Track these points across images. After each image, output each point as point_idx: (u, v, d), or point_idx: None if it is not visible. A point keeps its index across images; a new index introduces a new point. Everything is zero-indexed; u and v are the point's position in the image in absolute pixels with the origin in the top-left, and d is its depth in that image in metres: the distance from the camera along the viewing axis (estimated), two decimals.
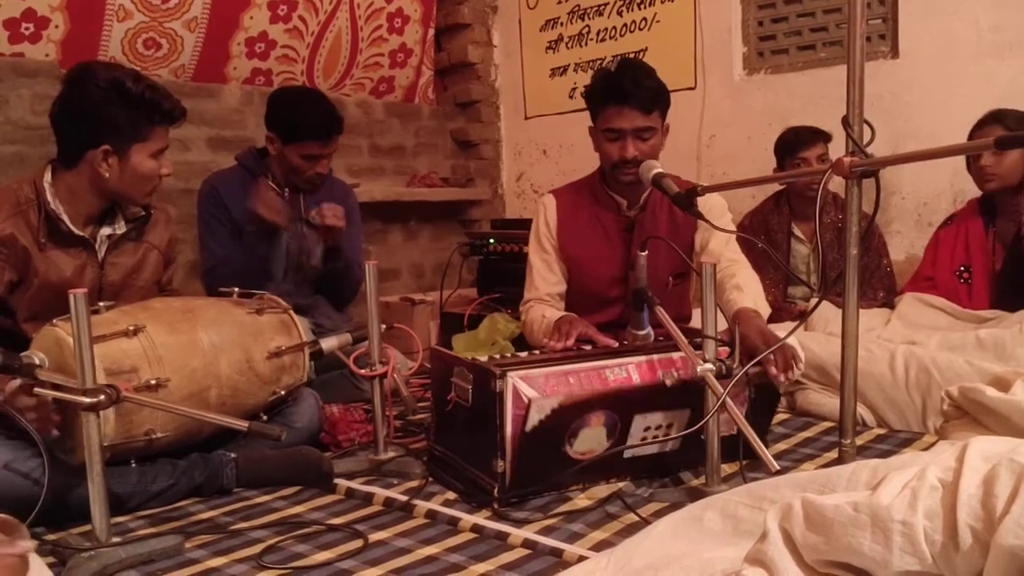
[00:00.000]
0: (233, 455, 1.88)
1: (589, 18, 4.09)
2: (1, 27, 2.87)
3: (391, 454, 1.98)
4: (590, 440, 1.72)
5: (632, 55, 3.91)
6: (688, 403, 1.77)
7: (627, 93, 2.13)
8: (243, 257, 2.59)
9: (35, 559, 1.27)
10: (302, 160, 2.59)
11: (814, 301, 2.35)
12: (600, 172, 2.36)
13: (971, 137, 2.52)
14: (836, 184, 1.92)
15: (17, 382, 1.56)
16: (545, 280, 2.38)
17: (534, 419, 1.63)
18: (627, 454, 1.78)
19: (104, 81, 1.85)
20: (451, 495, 1.78)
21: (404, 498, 1.75)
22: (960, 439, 1.32)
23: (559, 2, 4.19)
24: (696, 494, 1.65)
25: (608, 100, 2.17)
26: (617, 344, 2.01)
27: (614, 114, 2.16)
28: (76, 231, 1.92)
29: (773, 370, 1.80)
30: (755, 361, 1.70)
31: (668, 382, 1.70)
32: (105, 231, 2.00)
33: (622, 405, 1.73)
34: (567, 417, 1.67)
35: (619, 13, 3.98)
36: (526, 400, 1.62)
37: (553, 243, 2.36)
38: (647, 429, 1.78)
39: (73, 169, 1.91)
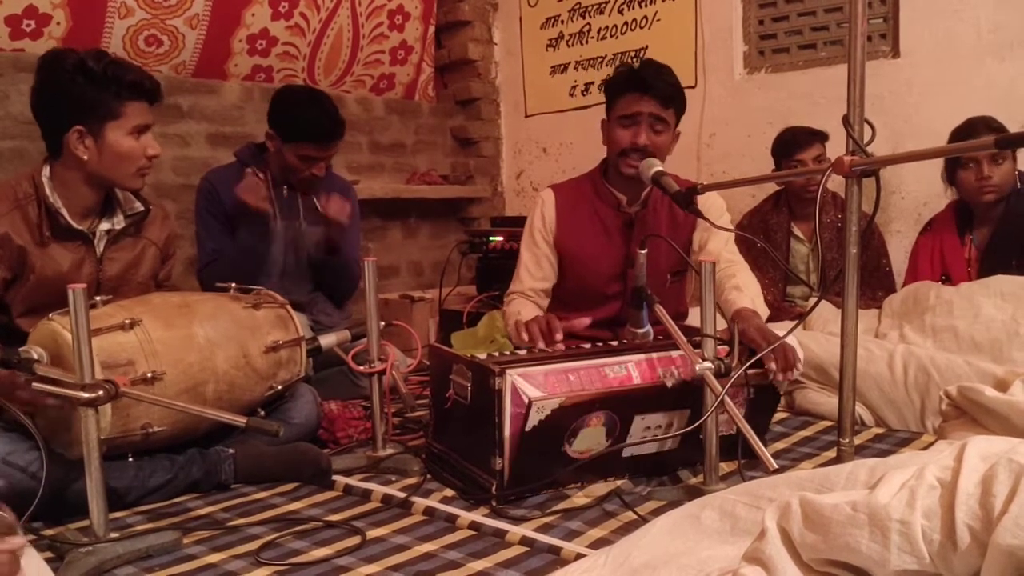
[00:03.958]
0: (231, 451, 1.87)
1: (590, 16, 4.09)
2: (2, 23, 2.87)
3: (389, 451, 1.98)
4: (589, 440, 1.72)
5: (632, 53, 3.92)
6: (688, 403, 1.77)
7: (648, 82, 2.17)
8: (239, 254, 2.59)
9: (33, 554, 1.27)
10: (299, 160, 2.58)
11: (813, 300, 2.35)
12: (602, 167, 2.36)
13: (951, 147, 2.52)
14: (836, 183, 1.92)
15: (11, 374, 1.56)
16: (531, 275, 2.38)
17: (534, 419, 1.63)
18: (626, 453, 1.78)
19: (69, 64, 1.84)
20: (449, 492, 1.78)
21: (402, 495, 1.75)
22: (959, 439, 1.31)
23: (559, 0, 4.19)
24: (694, 492, 1.66)
25: (628, 87, 2.20)
26: (588, 320, 2.08)
27: (632, 101, 2.18)
28: (75, 225, 1.92)
29: (772, 366, 1.80)
30: (756, 359, 1.70)
31: (669, 383, 1.70)
32: (104, 226, 1.99)
33: (623, 406, 1.72)
34: (567, 417, 1.67)
35: (620, 11, 3.98)
36: (527, 400, 1.62)
37: (547, 238, 2.36)
38: (647, 429, 1.78)
39: (60, 159, 1.90)
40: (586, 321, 2.11)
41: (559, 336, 1.95)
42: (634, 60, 3.88)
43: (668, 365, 1.78)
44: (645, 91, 2.17)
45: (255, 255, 2.58)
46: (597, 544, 1.47)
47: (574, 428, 1.69)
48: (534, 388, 1.65)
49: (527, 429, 1.63)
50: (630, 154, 2.19)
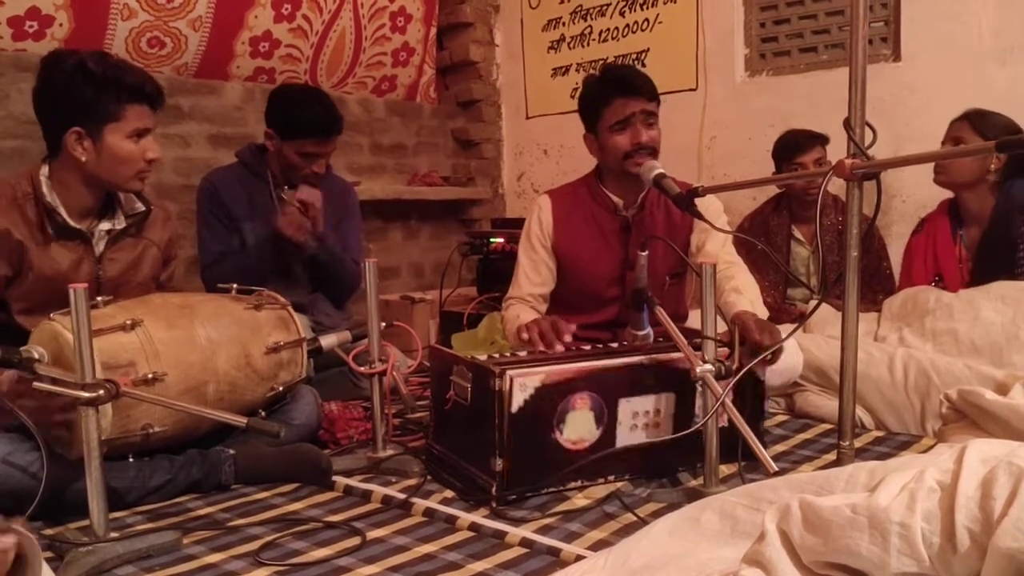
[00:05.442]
0: (231, 451, 1.87)
1: (591, 18, 4.09)
2: (5, 24, 2.87)
3: (389, 452, 1.98)
4: (579, 426, 1.73)
5: (634, 56, 3.92)
6: (673, 387, 1.78)
7: (633, 83, 2.19)
8: (241, 255, 2.59)
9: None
10: (299, 157, 2.58)
11: (814, 303, 2.35)
12: (597, 171, 2.37)
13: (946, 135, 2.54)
14: (837, 186, 1.93)
15: (13, 374, 1.56)
16: (529, 280, 2.38)
17: (518, 399, 1.64)
18: (620, 443, 1.78)
19: (69, 65, 1.84)
20: (449, 493, 1.78)
21: (402, 496, 1.75)
22: (958, 442, 1.32)
23: (561, 2, 4.19)
24: (694, 495, 1.65)
25: (614, 93, 2.20)
26: (574, 327, 2.06)
27: (622, 105, 2.19)
28: (73, 224, 1.92)
29: (756, 336, 1.81)
30: (758, 360, 1.71)
31: (644, 360, 1.72)
32: (104, 226, 1.99)
33: (605, 387, 1.74)
34: (551, 397, 1.68)
35: (621, 14, 3.98)
36: (508, 380, 1.63)
37: (545, 244, 2.36)
38: (635, 415, 1.78)
39: (59, 159, 1.90)
40: (571, 327, 2.09)
41: (568, 338, 1.96)
42: (634, 63, 3.89)
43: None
44: (632, 92, 2.18)
45: (265, 262, 2.57)
46: (597, 546, 1.47)
47: (560, 411, 1.70)
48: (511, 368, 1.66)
49: (513, 411, 1.64)
50: (634, 154, 2.19)
